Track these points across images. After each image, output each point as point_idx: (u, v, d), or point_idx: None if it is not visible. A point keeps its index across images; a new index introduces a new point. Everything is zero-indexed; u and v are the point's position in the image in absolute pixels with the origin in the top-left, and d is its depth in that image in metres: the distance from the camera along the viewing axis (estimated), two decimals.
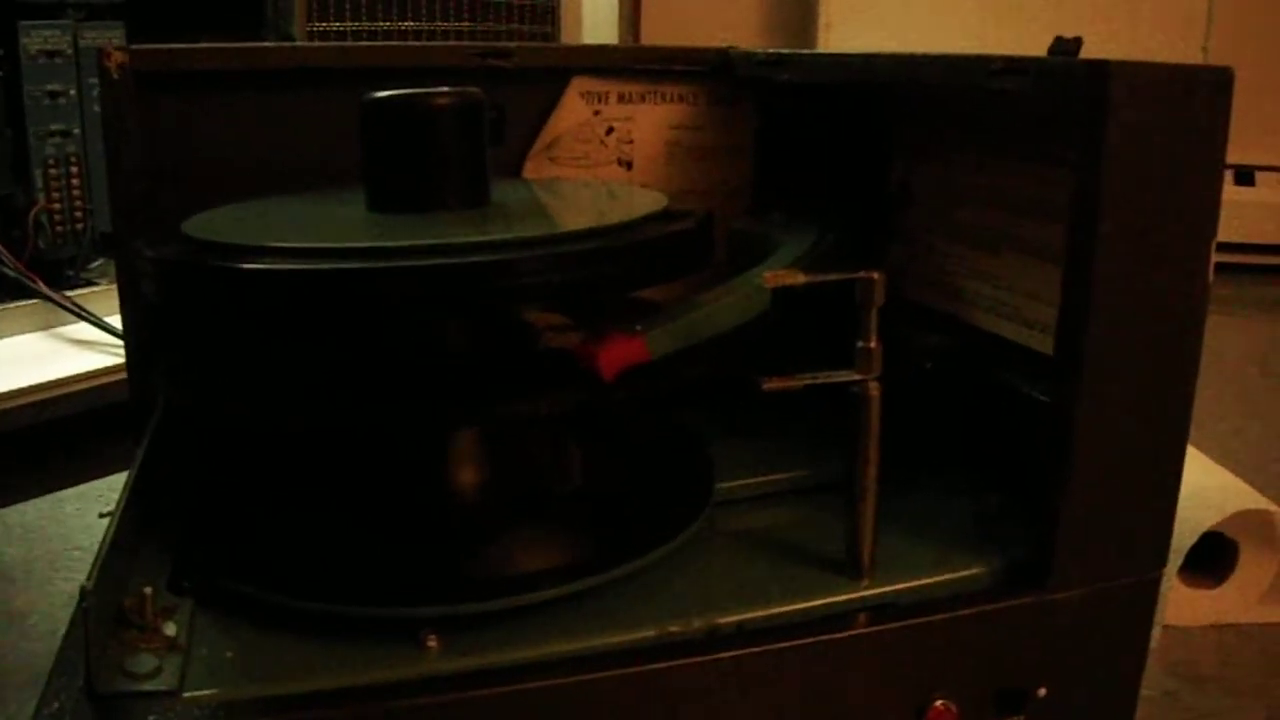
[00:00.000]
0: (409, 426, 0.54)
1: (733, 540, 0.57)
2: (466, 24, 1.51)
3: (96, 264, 1.29)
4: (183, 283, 0.53)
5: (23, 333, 1.18)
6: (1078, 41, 0.53)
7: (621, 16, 2.01)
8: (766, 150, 0.80)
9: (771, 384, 0.49)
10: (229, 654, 0.46)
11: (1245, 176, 2.05)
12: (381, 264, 0.48)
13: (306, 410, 0.53)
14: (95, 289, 1.24)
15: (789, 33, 2.16)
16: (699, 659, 0.47)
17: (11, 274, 1.18)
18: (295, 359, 0.57)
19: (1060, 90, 0.50)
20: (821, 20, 2.08)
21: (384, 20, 1.44)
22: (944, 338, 0.67)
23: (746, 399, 0.53)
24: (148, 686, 0.43)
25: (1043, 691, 0.52)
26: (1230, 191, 0.54)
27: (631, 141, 0.78)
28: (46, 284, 1.19)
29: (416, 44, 1.29)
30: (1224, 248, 0.51)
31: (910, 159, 0.72)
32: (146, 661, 0.44)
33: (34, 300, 1.19)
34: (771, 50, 0.73)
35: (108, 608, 0.45)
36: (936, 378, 0.66)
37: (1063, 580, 0.52)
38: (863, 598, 0.51)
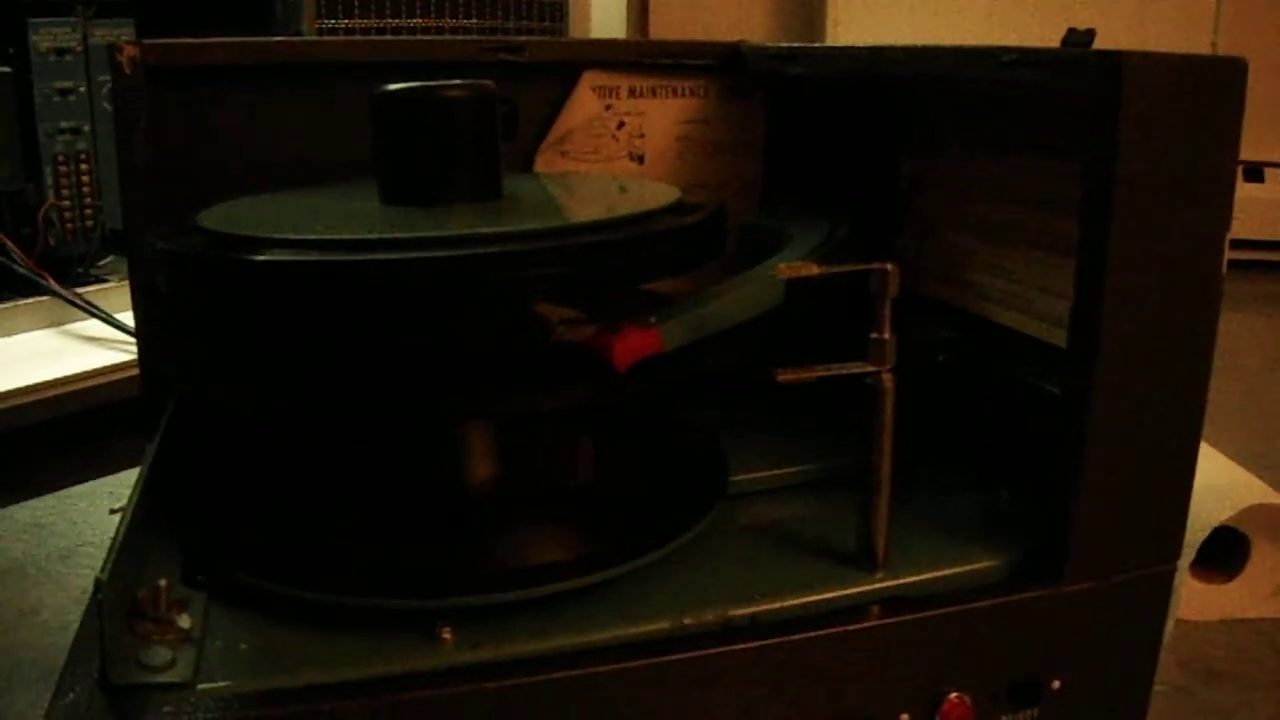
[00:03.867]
0: (422, 419, 0.54)
1: (746, 533, 0.56)
2: (475, 20, 1.51)
3: (107, 260, 1.30)
4: (196, 275, 0.53)
5: (33, 329, 1.19)
6: (1090, 33, 0.53)
7: (630, 13, 2.01)
8: (778, 144, 0.80)
9: (785, 375, 0.49)
10: (243, 646, 0.46)
11: (1255, 173, 2.05)
12: (394, 255, 0.48)
13: (320, 402, 0.53)
14: (106, 285, 1.24)
15: (797, 29, 2.15)
16: (713, 651, 0.47)
17: (22, 271, 1.18)
18: (308, 351, 0.57)
19: (1073, 82, 0.50)
20: (830, 16, 2.08)
21: (393, 17, 1.45)
22: (955, 331, 0.67)
23: (759, 391, 0.53)
24: (162, 678, 0.43)
25: (1056, 684, 0.52)
26: (1240, 188, 0.55)
27: (643, 136, 0.78)
28: (57, 281, 1.20)
29: (427, 38, 1.29)
30: (1234, 244, 0.51)
31: (921, 152, 0.72)
32: (161, 654, 0.44)
33: (45, 297, 1.19)
34: (783, 44, 0.73)
35: (122, 600, 0.45)
36: (949, 371, 0.66)
37: (1076, 573, 0.52)
38: (876, 590, 0.51)
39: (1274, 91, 1.84)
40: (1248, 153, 0.55)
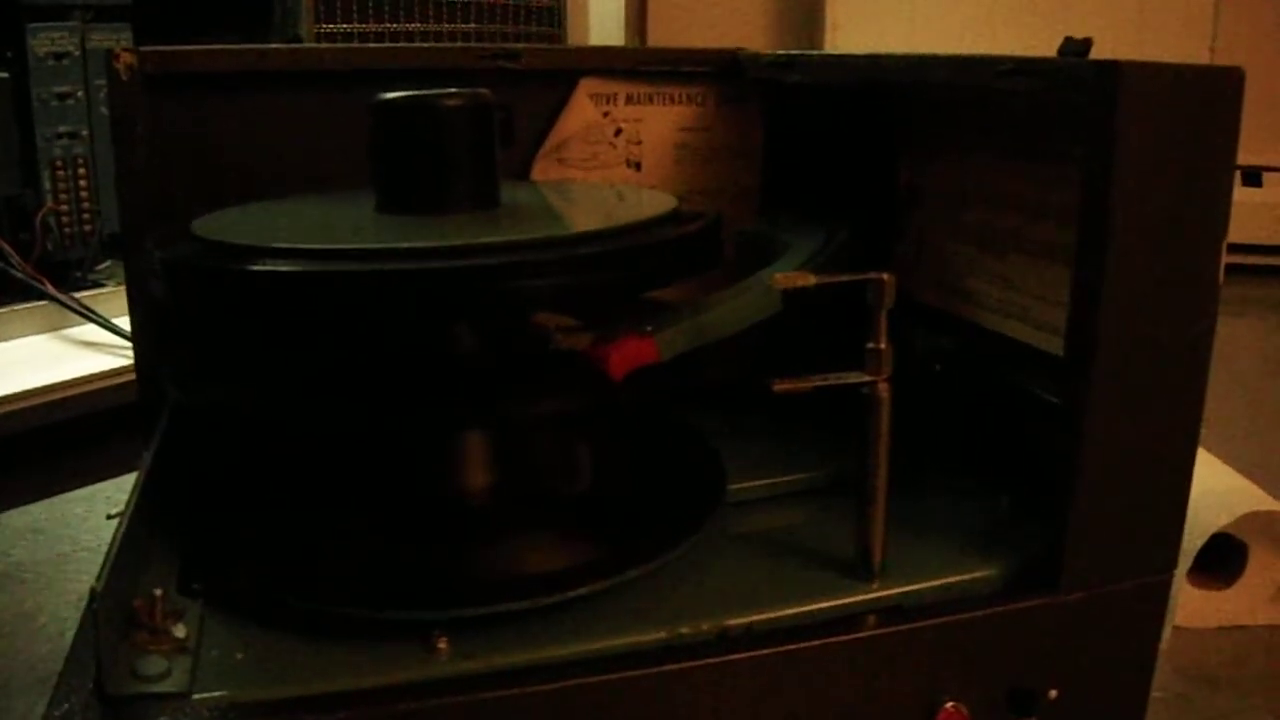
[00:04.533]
0: (418, 428, 0.53)
1: (742, 542, 0.56)
2: (473, 26, 1.51)
3: (104, 265, 1.30)
4: (192, 283, 0.53)
5: (30, 334, 1.19)
6: (1087, 42, 0.53)
7: (628, 20, 2.01)
8: (775, 152, 0.80)
9: (782, 385, 0.49)
10: (239, 656, 0.46)
11: (1253, 178, 2.05)
12: (391, 266, 0.48)
13: (315, 412, 0.53)
14: (103, 290, 1.24)
15: (795, 35, 2.15)
16: (709, 661, 0.47)
17: (19, 276, 1.18)
18: (304, 360, 0.57)
19: (1070, 91, 0.50)
20: (828, 22, 2.08)
21: (391, 22, 1.45)
22: (953, 339, 0.67)
23: (755, 401, 0.53)
24: (157, 688, 0.43)
25: (1054, 693, 0.52)
26: (1238, 193, 0.55)
27: (640, 143, 0.78)
28: (54, 285, 1.19)
29: (425, 45, 1.29)
30: (1232, 249, 0.51)
31: (919, 160, 0.72)
32: (156, 663, 0.44)
33: (42, 302, 1.19)
34: (780, 51, 0.73)
35: (117, 609, 0.45)
36: (946, 379, 0.66)
37: (1073, 582, 0.52)
38: (873, 599, 0.51)
39: (1272, 96, 1.84)
40: (1246, 157, 0.55)
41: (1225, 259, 0.51)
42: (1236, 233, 0.51)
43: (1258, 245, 1.98)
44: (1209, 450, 0.89)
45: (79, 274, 1.27)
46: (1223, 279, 0.51)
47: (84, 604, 0.42)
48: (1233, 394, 1.34)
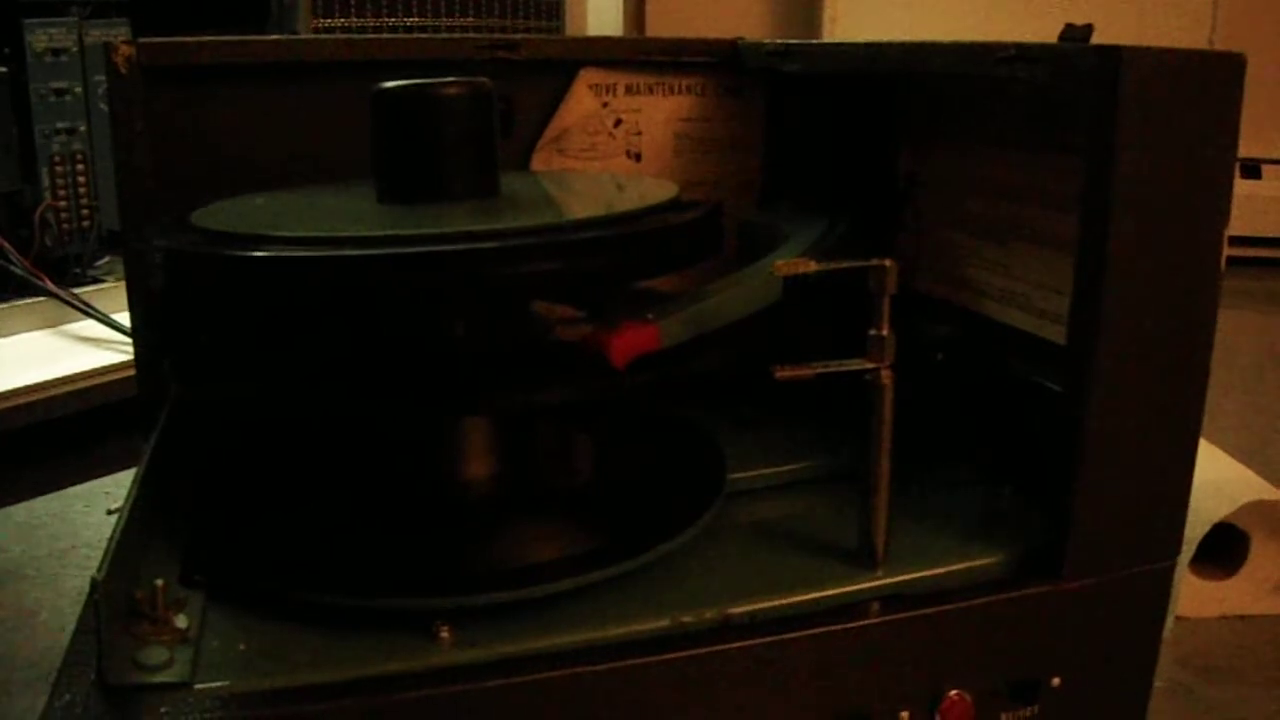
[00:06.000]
0: (420, 416, 0.53)
1: (745, 531, 0.56)
2: (472, 19, 1.51)
3: (103, 261, 1.30)
4: (193, 272, 0.52)
5: (30, 330, 1.19)
6: (1088, 28, 0.53)
7: (626, 11, 2.01)
8: (775, 141, 0.80)
9: (784, 372, 0.49)
10: (240, 646, 0.46)
11: (1252, 170, 2.05)
12: (391, 251, 0.48)
13: (315, 399, 0.52)
14: (102, 286, 1.24)
15: (794, 25, 2.15)
16: (712, 649, 0.47)
17: (18, 271, 1.18)
18: (305, 348, 0.57)
19: (1072, 77, 0.50)
20: (827, 13, 2.07)
21: (389, 17, 1.44)
22: (954, 328, 0.67)
23: (757, 390, 0.53)
24: (159, 678, 0.43)
25: (1056, 682, 0.52)
26: (1237, 185, 0.54)
27: (640, 133, 0.77)
28: (54, 281, 1.19)
29: (423, 36, 1.29)
30: (1231, 241, 0.51)
31: (919, 149, 0.72)
32: (158, 653, 0.44)
33: (41, 298, 1.19)
34: (780, 41, 0.73)
35: (119, 600, 0.45)
36: (948, 368, 0.66)
37: (1076, 570, 0.52)
38: (876, 587, 0.51)
39: (1271, 88, 1.84)
40: (1245, 149, 0.55)
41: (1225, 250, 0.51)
42: (1235, 225, 0.51)
43: (1257, 238, 1.98)
44: (1208, 440, 0.89)
45: (78, 270, 1.27)
46: (1224, 269, 0.51)
47: (85, 598, 0.42)
48: (1233, 385, 1.34)
